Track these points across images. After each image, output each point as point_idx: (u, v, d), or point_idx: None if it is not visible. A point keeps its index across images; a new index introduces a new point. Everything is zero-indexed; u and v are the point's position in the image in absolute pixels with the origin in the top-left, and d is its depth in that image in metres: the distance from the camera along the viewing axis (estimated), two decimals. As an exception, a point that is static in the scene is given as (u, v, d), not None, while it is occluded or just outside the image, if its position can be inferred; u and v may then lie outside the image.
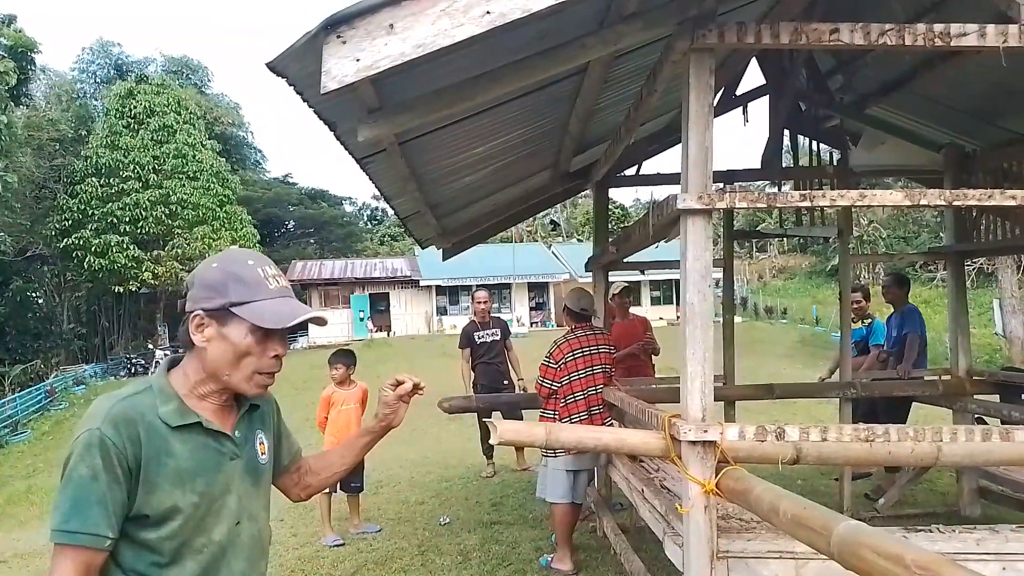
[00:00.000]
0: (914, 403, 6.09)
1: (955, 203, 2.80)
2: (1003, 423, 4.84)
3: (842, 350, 5.71)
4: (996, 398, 5.41)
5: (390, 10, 1.99)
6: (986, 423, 5.17)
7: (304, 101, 2.42)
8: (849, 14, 3.94)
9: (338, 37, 1.97)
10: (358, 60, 1.97)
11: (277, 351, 1.55)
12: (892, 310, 6.62)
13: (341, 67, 1.97)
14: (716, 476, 2.55)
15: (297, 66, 2.11)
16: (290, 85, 2.27)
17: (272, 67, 2.10)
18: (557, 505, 4.74)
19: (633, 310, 7.45)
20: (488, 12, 2.00)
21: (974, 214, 5.41)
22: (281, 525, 6.10)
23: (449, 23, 1.99)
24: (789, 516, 2.01)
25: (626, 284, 7.28)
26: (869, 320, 7.16)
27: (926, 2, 4.14)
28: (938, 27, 2.57)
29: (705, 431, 2.57)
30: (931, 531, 2.72)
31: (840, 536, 1.74)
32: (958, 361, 5.34)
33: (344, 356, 5.96)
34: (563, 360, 4.71)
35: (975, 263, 24.16)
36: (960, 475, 5.34)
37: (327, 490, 5.68)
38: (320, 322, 1.64)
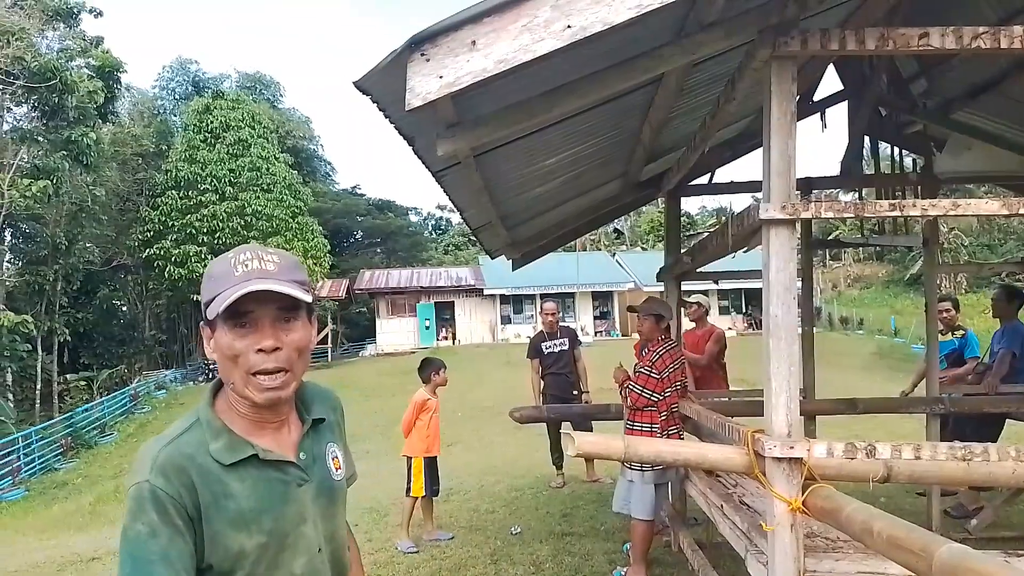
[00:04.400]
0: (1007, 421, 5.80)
1: (1057, 211, 2.65)
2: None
3: (929, 363, 5.47)
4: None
5: (472, 27, 2.01)
6: (1088, 442, 4.88)
7: (386, 118, 2.47)
8: (934, 17, 3.82)
9: (422, 55, 2.00)
10: (441, 77, 2.00)
11: (260, 344, 1.32)
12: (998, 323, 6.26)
13: (425, 84, 2.00)
14: (803, 494, 2.48)
15: (382, 84, 2.15)
16: (374, 103, 2.31)
17: (359, 86, 2.15)
18: (642, 522, 4.61)
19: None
20: (569, 26, 2.00)
21: (1071, 221, 5.14)
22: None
23: (530, 38, 2.00)
24: (884, 537, 1.94)
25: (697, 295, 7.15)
26: (962, 332, 6.82)
27: (1017, 3, 3.96)
28: (1037, 29, 2.45)
29: (791, 447, 2.50)
30: (1034, 556, 2.59)
31: (942, 560, 1.67)
32: (1055, 376, 5.06)
33: (440, 363, 6.09)
34: (666, 371, 4.59)
35: (1068, 271, 22.89)
36: (1059, 497, 5.06)
37: (413, 495, 5.73)
38: (284, 298, 1.33)
